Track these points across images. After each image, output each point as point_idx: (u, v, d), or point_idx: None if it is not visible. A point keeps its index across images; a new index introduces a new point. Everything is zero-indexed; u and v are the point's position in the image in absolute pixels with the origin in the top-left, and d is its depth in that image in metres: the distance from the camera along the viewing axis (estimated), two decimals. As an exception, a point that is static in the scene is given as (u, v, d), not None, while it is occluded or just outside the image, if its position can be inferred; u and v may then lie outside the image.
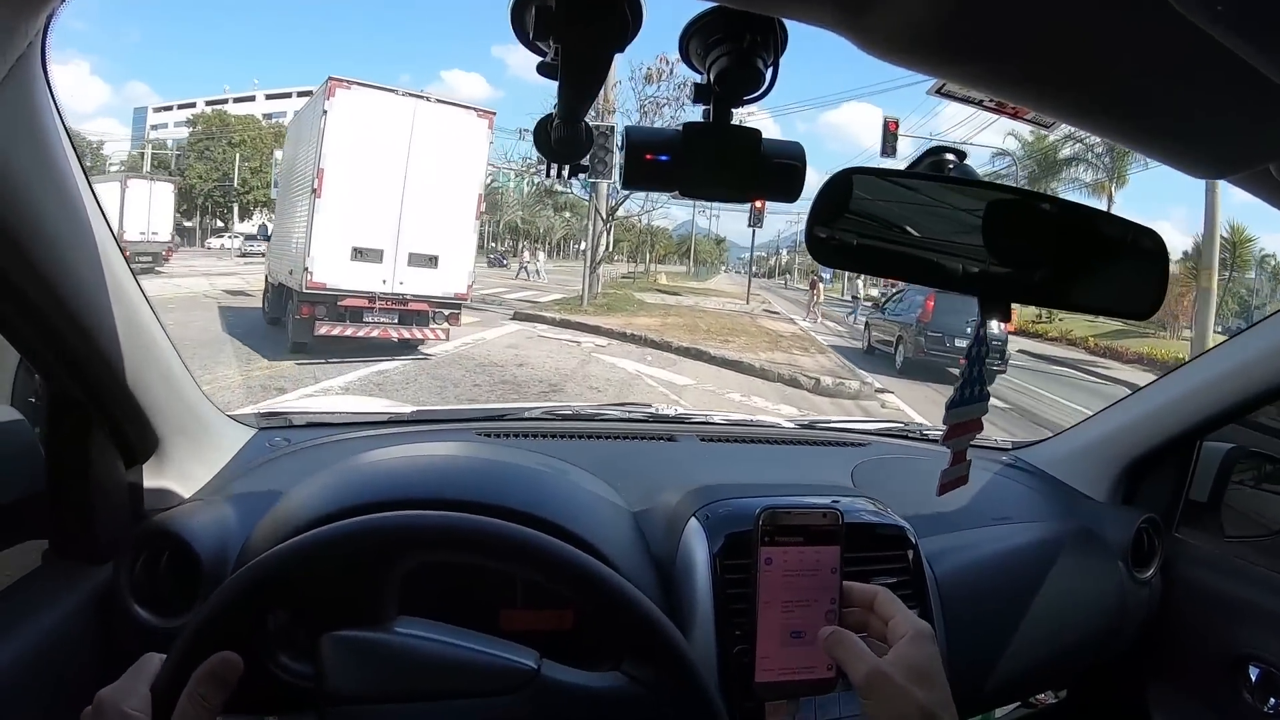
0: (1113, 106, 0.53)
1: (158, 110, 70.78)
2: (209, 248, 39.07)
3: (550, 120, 0.65)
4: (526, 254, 35.89)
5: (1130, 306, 0.71)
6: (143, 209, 19.14)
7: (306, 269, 8.66)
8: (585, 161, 0.71)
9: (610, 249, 21.10)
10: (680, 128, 0.61)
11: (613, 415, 1.49)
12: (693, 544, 0.97)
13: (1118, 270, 0.70)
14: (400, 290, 9.20)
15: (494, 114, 9.85)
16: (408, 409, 1.57)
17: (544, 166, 0.71)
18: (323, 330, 8.86)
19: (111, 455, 0.92)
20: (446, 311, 9.68)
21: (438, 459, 1.09)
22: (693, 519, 0.99)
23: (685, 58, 0.59)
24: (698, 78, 0.60)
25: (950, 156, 0.69)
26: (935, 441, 1.51)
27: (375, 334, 9.16)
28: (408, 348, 9.75)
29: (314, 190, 8.65)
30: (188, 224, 44.75)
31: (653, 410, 1.56)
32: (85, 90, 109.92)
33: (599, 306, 15.91)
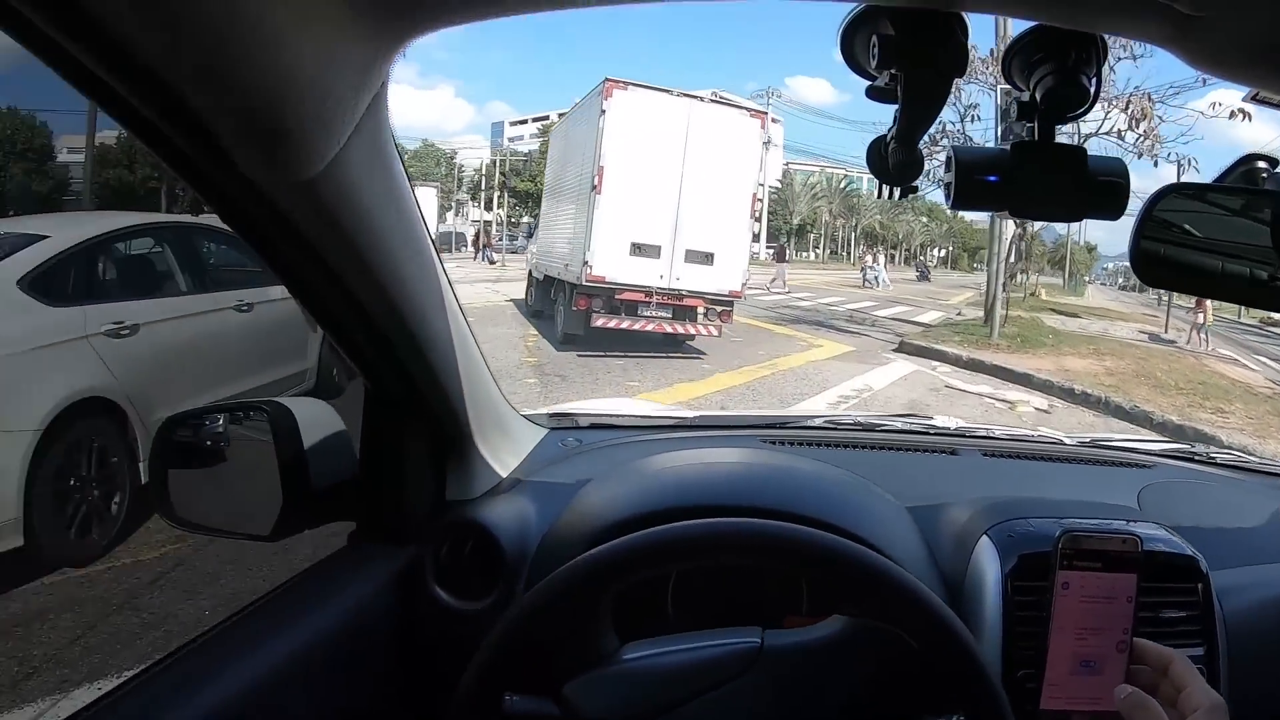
0: None
1: (513, 124, 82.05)
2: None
3: (884, 142, 0.63)
4: (869, 259, 34.38)
5: None
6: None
7: (586, 262, 9.13)
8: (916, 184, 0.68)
9: (1025, 258, 18.17)
10: (1008, 147, 0.60)
11: (893, 426, 1.48)
12: (984, 562, 0.95)
13: None
14: (676, 286, 9.34)
15: (765, 113, 9.83)
16: (689, 413, 1.62)
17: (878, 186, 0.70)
18: (599, 322, 9.33)
19: (421, 448, 1.00)
20: (719, 309, 9.65)
21: (740, 466, 1.11)
22: (984, 536, 0.97)
23: (1008, 76, 0.59)
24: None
25: (1263, 164, 0.66)
26: (1224, 468, 1.43)
27: (650, 328, 9.40)
28: (674, 343, 9.91)
29: (594, 187, 9.09)
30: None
31: (932, 422, 1.53)
32: (453, 111, 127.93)
33: (1009, 337, 11.95)
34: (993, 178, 0.59)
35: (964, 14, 0.52)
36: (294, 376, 5.54)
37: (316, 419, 0.96)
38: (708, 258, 9.39)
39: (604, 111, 9.01)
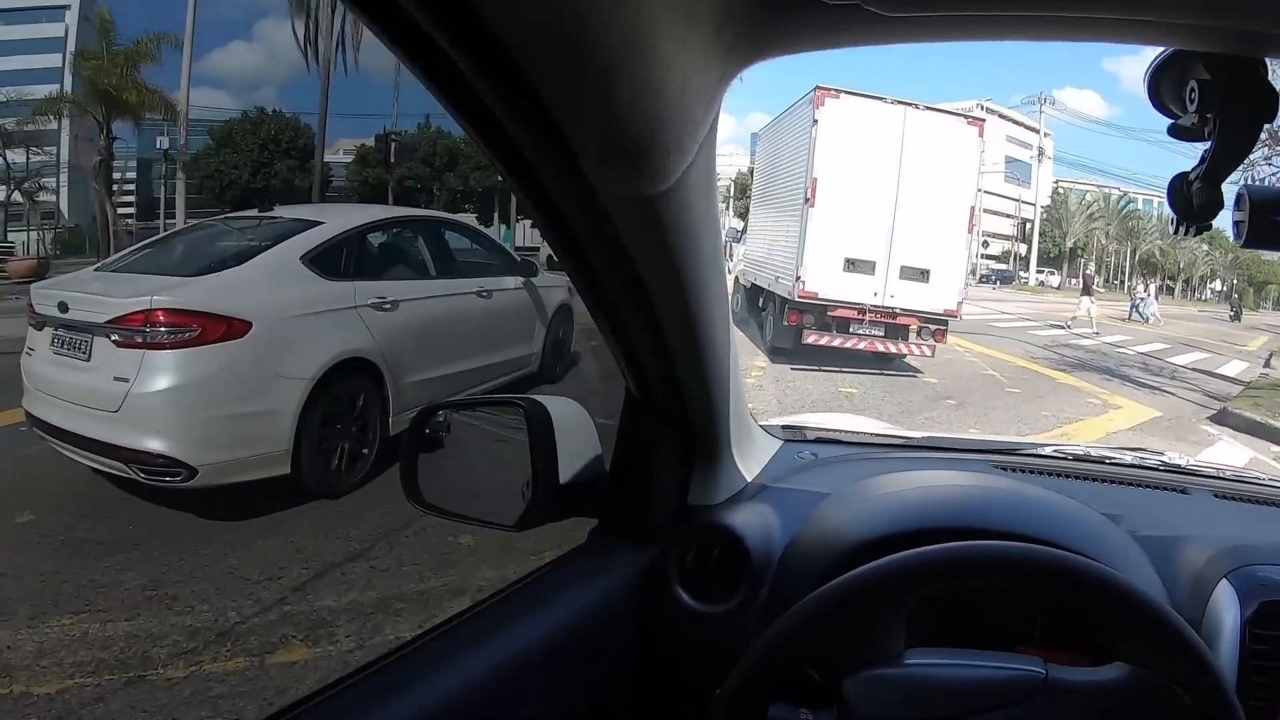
0: None
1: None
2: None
3: (1187, 180, 0.63)
4: (1141, 289, 30.13)
5: None
6: None
7: (799, 277, 8.98)
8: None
9: None
10: None
11: (1125, 460, 1.45)
12: (1223, 606, 0.92)
13: None
14: (890, 303, 9.00)
15: (984, 121, 9.19)
16: (915, 433, 1.66)
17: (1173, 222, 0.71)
18: (810, 339, 9.13)
19: (672, 451, 1.03)
20: (933, 328, 9.16)
21: (966, 489, 1.12)
22: (1224, 580, 0.94)
23: None
24: None
25: None
26: None
27: (862, 345, 9.10)
28: (883, 360, 9.48)
29: (807, 200, 8.92)
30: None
31: (1164, 459, 1.48)
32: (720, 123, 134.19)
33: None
34: None
35: (1268, 59, 0.54)
36: (521, 359, 6.19)
37: (569, 418, 1.00)
38: (923, 274, 8.98)
39: (816, 121, 8.87)
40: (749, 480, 1.15)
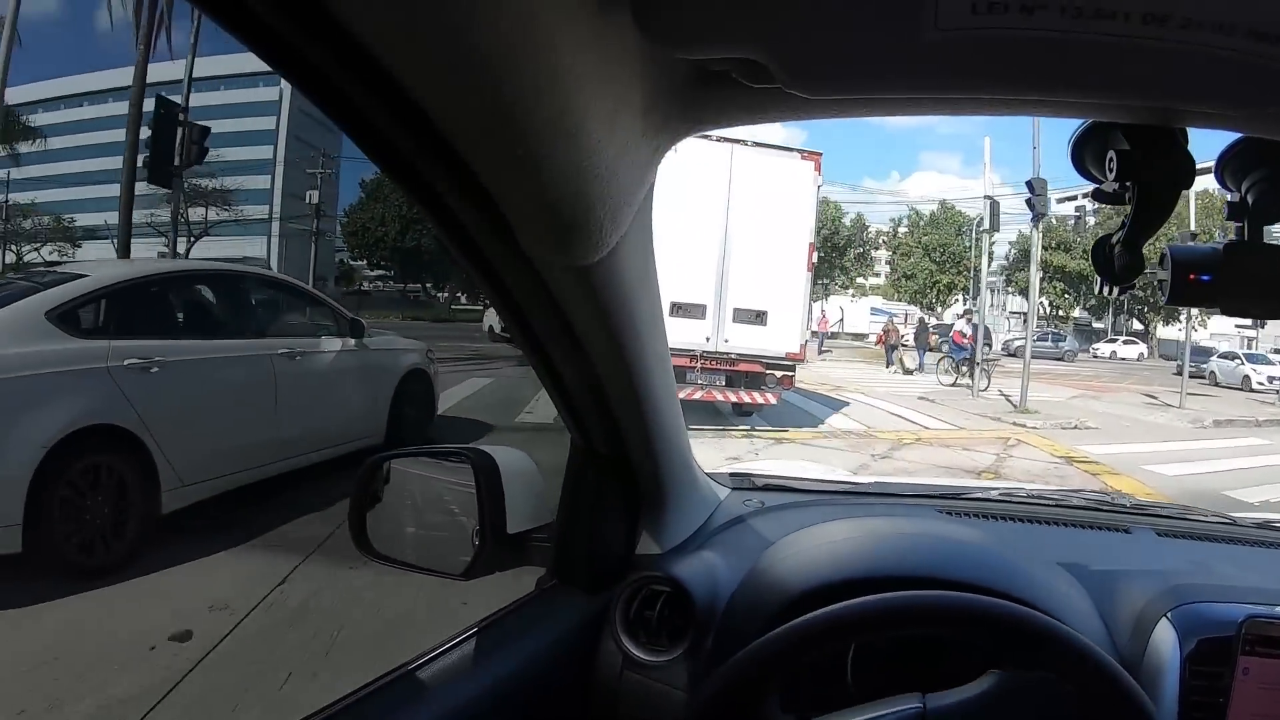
0: None
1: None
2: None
3: (1109, 242, 0.65)
4: (905, 325, 28.25)
5: None
6: None
7: None
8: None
9: None
10: (1220, 247, 0.62)
11: (1070, 501, 1.49)
12: (1163, 645, 0.93)
13: None
14: (725, 349, 8.72)
15: (820, 155, 8.92)
16: (864, 479, 1.66)
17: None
18: None
19: (619, 501, 1.05)
20: (779, 374, 8.91)
21: (908, 536, 1.13)
22: (1164, 620, 0.95)
23: (1220, 180, 0.62)
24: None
25: None
26: None
27: (698, 396, 8.67)
28: (745, 415, 9.26)
29: None
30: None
31: (1107, 499, 1.53)
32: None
33: None
34: (1206, 277, 0.62)
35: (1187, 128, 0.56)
36: (356, 429, 5.78)
37: (516, 468, 1.01)
38: (759, 316, 8.68)
39: None
40: (696, 529, 1.17)
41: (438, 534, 1.06)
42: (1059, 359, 30.51)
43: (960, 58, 0.44)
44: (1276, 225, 0.64)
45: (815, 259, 9.22)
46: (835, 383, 15.95)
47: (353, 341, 5.93)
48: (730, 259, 8.66)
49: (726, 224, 8.62)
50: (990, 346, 30.74)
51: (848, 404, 12.81)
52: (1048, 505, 1.44)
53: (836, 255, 34.20)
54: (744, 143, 8.76)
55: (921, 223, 40.01)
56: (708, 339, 8.69)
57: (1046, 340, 31.33)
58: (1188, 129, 0.56)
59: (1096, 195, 0.61)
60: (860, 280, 39.63)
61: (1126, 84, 0.46)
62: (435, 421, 7.05)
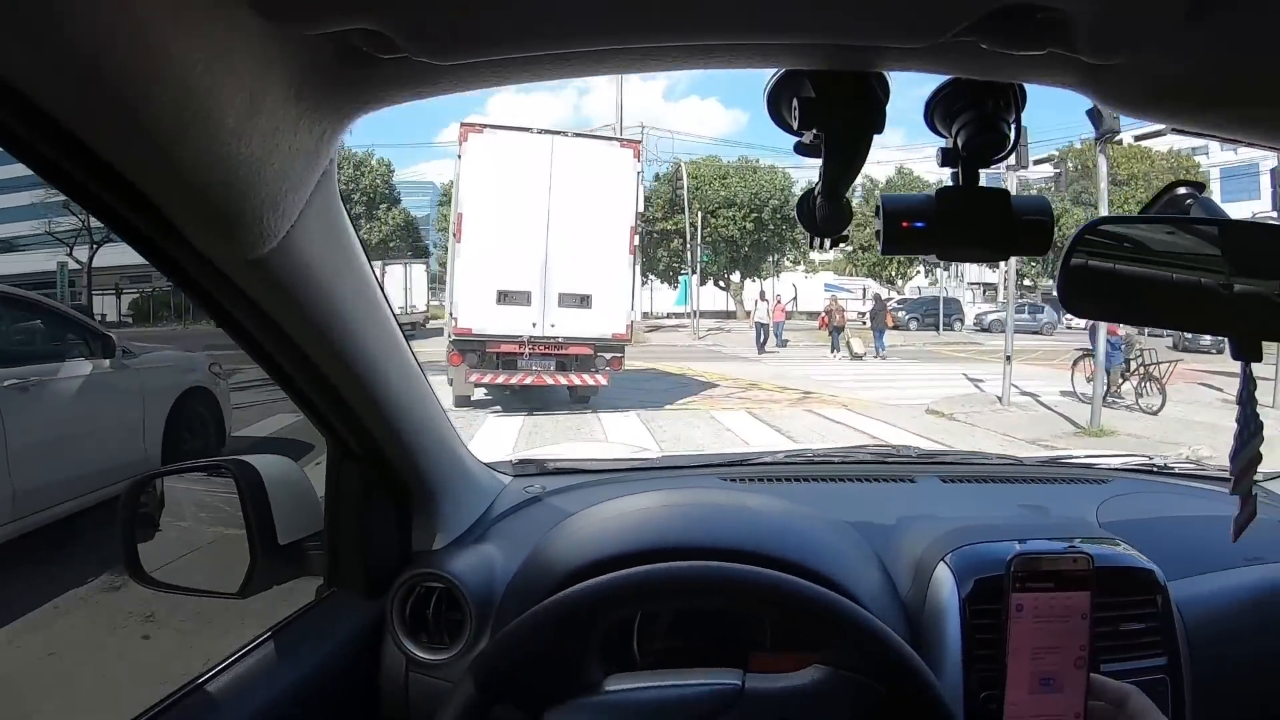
0: None
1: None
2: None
3: (812, 195, 0.67)
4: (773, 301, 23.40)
5: None
6: (400, 288, 22.89)
7: (452, 315, 8.79)
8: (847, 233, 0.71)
9: None
10: (934, 193, 0.62)
11: (853, 458, 1.53)
12: (942, 589, 0.96)
13: None
14: (552, 333, 8.84)
15: (639, 143, 9.24)
16: (656, 454, 1.65)
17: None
18: (473, 378, 8.84)
19: (385, 501, 1.03)
20: (608, 355, 9.07)
21: (681, 507, 1.11)
22: (941, 564, 0.99)
23: (930, 125, 0.61)
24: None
25: (1186, 190, 0.70)
26: (1181, 477, 1.44)
27: (529, 381, 8.88)
28: (582, 400, 9.37)
29: (454, 235, 8.78)
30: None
31: (892, 451, 1.58)
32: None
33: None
34: (920, 223, 0.62)
35: (885, 73, 0.55)
36: (119, 464, 4.63)
37: (281, 474, 0.98)
38: (584, 300, 8.86)
39: (460, 157, 8.75)
40: (472, 521, 1.15)
41: (213, 552, 1.01)
42: (1038, 332, 26.57)
43: (590, 5, 0.44)
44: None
45: (637, 242, 9.50)
46: (795, 385, 12.53)
47: (106, 362, 4.89)
48: (553, 246, 8.85)
49: (549, 213, 8.82)
50: (963, 321, 29.40)
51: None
52: (834, 463, 1.47)
53: (787, 228, 31.60)
54: (564, 134, 9.16)
55: (878, 191, 39.04)
56: (534, 325, 8.84)
57: (1024, 313, 26.82)
58: (886, 74, 0.55)
59: (797, 148, 0.61)
60: (814, 255, 35.64)
61: (788, 23, 0.46)
62: (232, 444, 6.06)
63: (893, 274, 34.48)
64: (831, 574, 0.91)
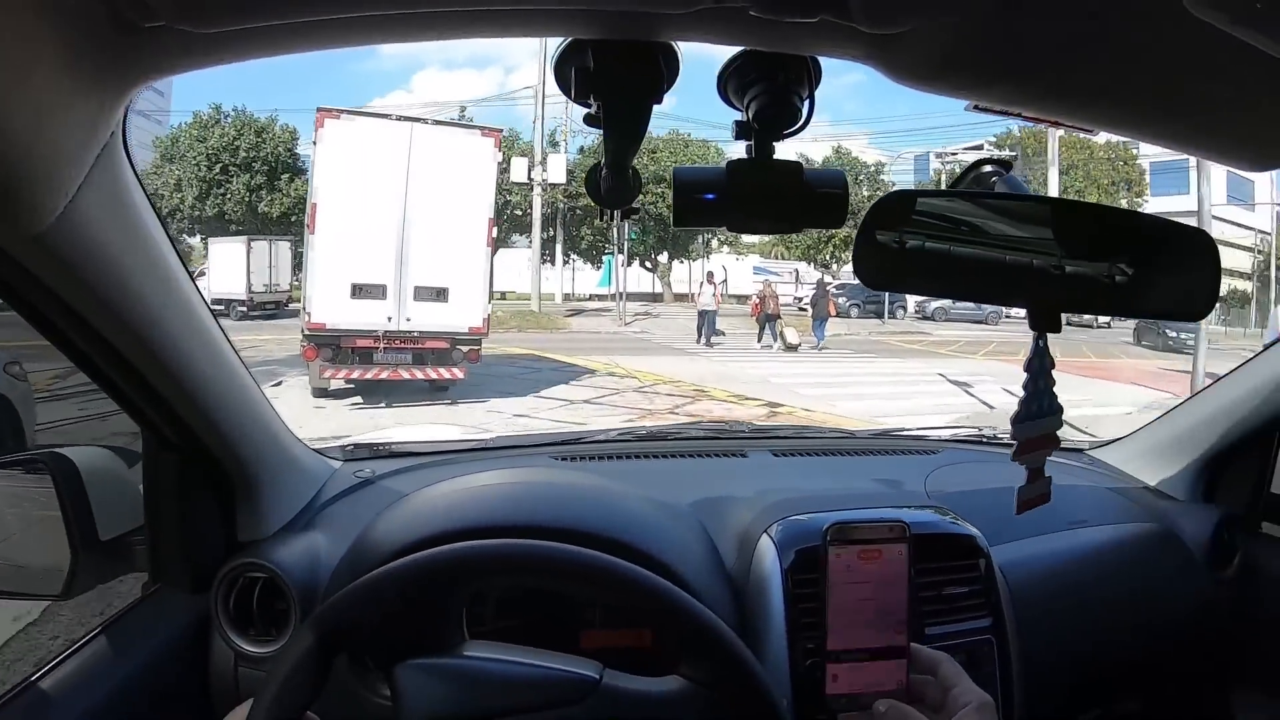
0: (1146, 111, 0.57)
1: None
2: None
3: (599, 168, 0.68)
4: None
5: (1185, 308, 0.73)
6: (264, 265, 21.63)
7: (305, 309, 8.57)
8: (635, 205, 0.72)
9: None
10: (725, 165, 0.63)
11: (686, 434, 1.56)
12: (764, 561, 0.99)
13: (1169, 273, 0.71)
14: (408, 327, 8.68)
15: (500, 131, 9.07)
16: (491, 435, 1.64)
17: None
18: (328, 374, 8.62)
19: (206, 491, 1.00)
20: (465, 349, 8.95)
21: (509, 486, 1.10)
22: (764, 536, 1.01)
23: (724, 97, 0.61)
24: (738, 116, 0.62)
25: (992, 168, 0.71)
26: (1009, 447, 1.21)
27: (385, 375, 8.70)
28: (441, 390, 9.21)
29: (308, 227, 8.53)
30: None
31: (725, 426, 1.68)
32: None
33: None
34: (710, 195, 0.63)
35: (674, 43, 0.54)
36: None
37: (101, 467, 0.95)
38: (440, 294, 8.69)
39: (315, 144, 8.50)
40: (299, 508, 1.13)
41: (30, 552, 0.97)
42: (982, 322, 24.67)
43: None
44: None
45: (495, 234, 9.33)
46: (753, 392, 10.04)
47: None
48: (410, 238, 8.69)
49: (405, 203, 8.63)
50: (906, 309, 26.34)
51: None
52: (667, 440, 1.49)
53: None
54: (424, 121, 8.95)
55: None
56: (390, 319, 8.68)
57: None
58: (676, 44, 0.55)
59: (586, 119, 0.60)
60: (743, 237, 32.14)
61: None
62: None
63: (827, 257, 31.75)
64: (656, 551, 0.91)
